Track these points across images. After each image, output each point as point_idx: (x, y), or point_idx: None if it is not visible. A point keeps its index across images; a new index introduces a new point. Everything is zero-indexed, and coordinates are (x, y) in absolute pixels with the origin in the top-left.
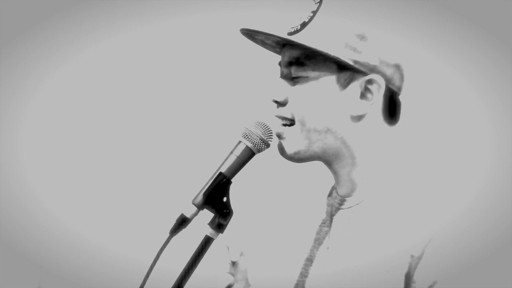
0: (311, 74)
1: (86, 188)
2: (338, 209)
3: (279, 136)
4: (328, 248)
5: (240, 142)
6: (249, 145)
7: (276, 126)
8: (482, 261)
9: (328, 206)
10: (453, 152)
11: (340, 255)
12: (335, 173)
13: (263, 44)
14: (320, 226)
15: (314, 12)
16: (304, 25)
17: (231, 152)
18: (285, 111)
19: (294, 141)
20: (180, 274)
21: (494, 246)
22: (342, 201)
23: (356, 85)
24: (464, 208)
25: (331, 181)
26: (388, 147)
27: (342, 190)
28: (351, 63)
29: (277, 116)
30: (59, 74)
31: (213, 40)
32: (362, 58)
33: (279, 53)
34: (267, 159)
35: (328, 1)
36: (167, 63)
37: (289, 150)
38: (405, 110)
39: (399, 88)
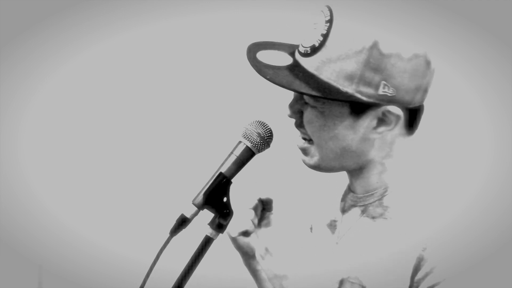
0: (323, 105)
1: (86, 188)
2: (351, 206)
3: (302, 150)
4: (337, 243)
5: (240, 142)
6: (249, 145)
7: (298, 140)
8: (482, 261)
9: (341, 201)
10: (453, 152)
11: (348, 251)
12: (351, 175)
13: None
14: (331, 221)
15: (324, 36)
16: (314, 50)
17: (231, 152)
18: (303, 131)
19: (314, 156)
20: (180, 274)
21: (494, 246)
22: (355, 198)
23: (373, 114)
24: (464, 208)
25: (334, 181)
26: (399, 149)
27: (356, 189)
28: (365, 99)
29: (296, 128)
30: (59, 74)
31: (213, 40)
32: (378, 92)
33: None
34: (267, 159)
35: (332, 2)
36: (167, 63)
37: (310, 163)
38: None
39: (421, 101)
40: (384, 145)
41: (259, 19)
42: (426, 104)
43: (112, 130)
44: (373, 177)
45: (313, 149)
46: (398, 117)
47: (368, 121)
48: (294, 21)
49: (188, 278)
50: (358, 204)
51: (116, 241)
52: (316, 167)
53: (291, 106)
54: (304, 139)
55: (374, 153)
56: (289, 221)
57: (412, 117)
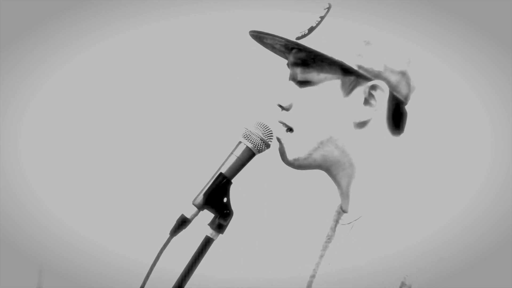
0: (316, 77)
1: (86, 188)
2: (337, 222)
3: (279, 140)
4: (329, 264)
5: (240, 142)
6: (249, 145)
7: (277, 130)
8: (482, 261)
9: (334, 221)
10: (453, 152)
11: (339, 269)
12: (338, 184)
13: (272, 48)
14: (325, 242)
15: (322, 18)
16: (311, 29)
17: (232, 153)
18: (287, 117)
19: (294, 147)
20: (181, 275)
21: (494, 246)
22: (341, 215)
23: (360, 91)
24: (464, 208)
25: (332, 188)
26: (389, 155)
27: (344, 204)
28: (355, 67)
29: (279, 122)
30: (59, 74)
31: (214, 40)
32: (366, 64)
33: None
34: (267, 159)
35: (332, 2)
36: (167, 63)
37: (289, 156)
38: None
39: (406, 97)
40: (368, 139)
41: (259, 19)
42: (427, 105)
43: (112, 130)
44: (356, 187)
45: (293, 137)
46: (383, 92)
47: (355, 99)
48: (294, 21)
49: (189, 279)
50: (345, 223)
51: (116, 241)
52: (295, 161)
53: (291, 76)
54: (286, 127)
55: (357, 149)
56: (288, 221)
57: (397, 114)
